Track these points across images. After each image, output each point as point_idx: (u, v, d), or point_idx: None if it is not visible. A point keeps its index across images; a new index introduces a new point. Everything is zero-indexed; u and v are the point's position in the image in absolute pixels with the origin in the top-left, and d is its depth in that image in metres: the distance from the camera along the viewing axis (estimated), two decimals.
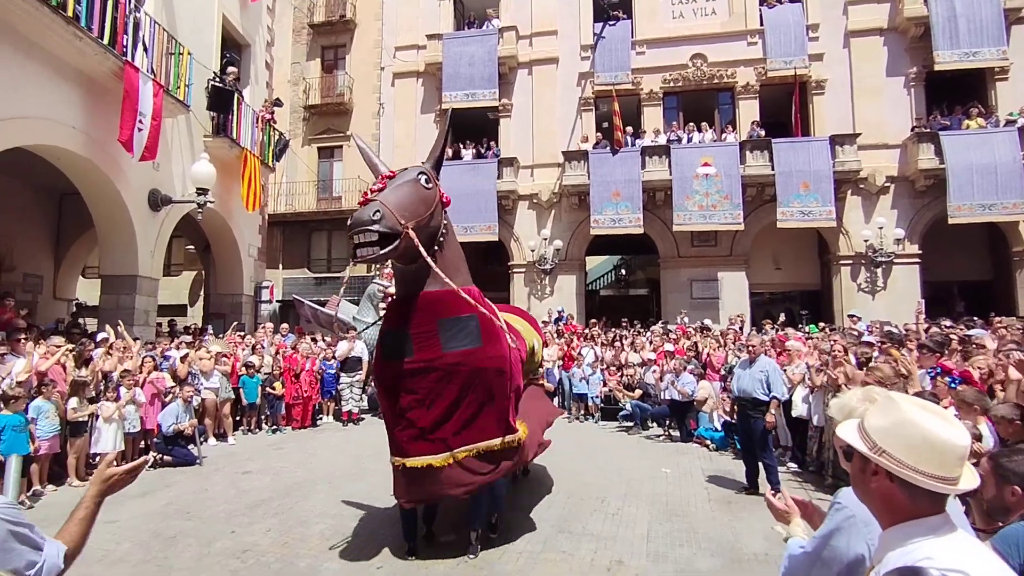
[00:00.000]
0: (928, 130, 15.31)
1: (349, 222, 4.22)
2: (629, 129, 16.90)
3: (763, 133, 16.25)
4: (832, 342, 7.81)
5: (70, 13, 8.58)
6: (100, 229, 11.25)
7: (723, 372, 10.19)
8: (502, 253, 18.43)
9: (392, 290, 11.72)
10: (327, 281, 19.06)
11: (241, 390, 10.08)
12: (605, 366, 11.59)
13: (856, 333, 10.03)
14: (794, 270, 17.52)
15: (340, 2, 20.09)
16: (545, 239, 17.31)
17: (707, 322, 14.04)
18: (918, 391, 5.07)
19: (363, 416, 11.30)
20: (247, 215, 14.96)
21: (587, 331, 13.76)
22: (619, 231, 16.40)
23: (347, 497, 6.32)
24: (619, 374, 11.36)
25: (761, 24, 16.83)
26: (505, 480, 5.32)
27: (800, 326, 13.25)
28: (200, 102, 12.39)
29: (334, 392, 11.29)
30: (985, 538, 2.04)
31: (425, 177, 4.67)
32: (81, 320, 13.42)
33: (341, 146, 19.98)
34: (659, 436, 9.86)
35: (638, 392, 10.56)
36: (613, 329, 14.13)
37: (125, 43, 9.75)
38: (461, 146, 18.12)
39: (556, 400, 10.96)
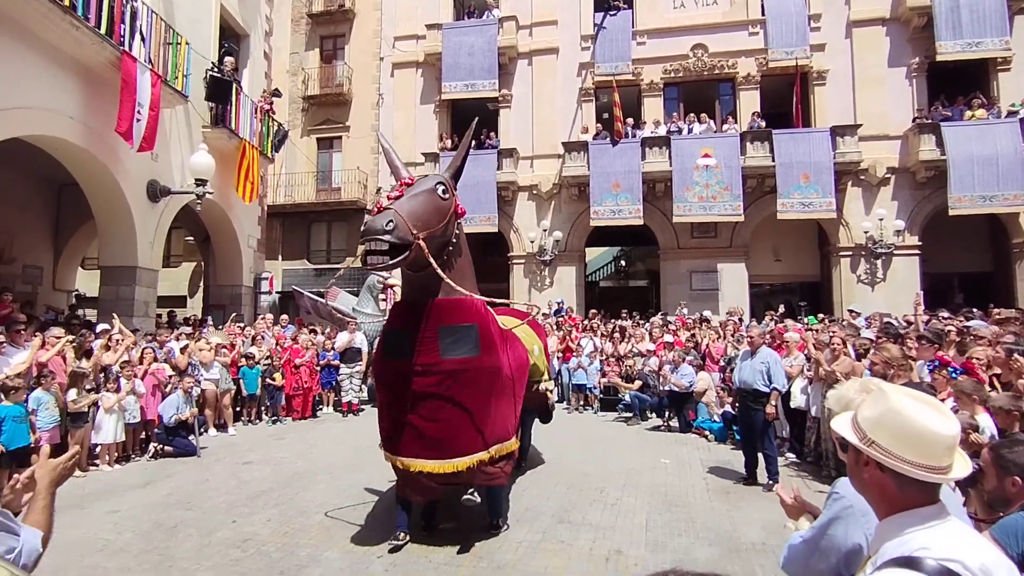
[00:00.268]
0: (929, 121, 15.25)
1: (362, 228, 4.26)
2: (629, 120, 16.84)
3: (764, 124, 16.19)
4: (831, 334, 7.82)
5: (67, 2, 8.54)
6: (99, 220, 11.23)
7: (722, 363, 10.22)
8: (502, 244, 18.41)
9: (392, 281, 11.77)
10: (326, 272, 19.03)
11: (241, 381, 10.10)
12: (604, 357, 11.62)
13: (855, 327, 10.03)
14: (794, 261, 17.51)
15: None
16: (545, 230, 17.30)
17: (707, 314, 14.06)
18: (916, 382, 5.09)
19: (363, 407, 11.33)
20: (246, 206, 14.93)
21: (587, 322, 13.77)
22: (619, 222, 16.39)
23: (347, 487, 6.35)
24: (618, 365, 11.38)
25: (762, 14, 16.72)
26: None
27: (799, 317, 13.25)
28: (198, 92, 12.33)
29: (334, 383, 11.32)
30: (985, 528, 2.05)
31: (443, 187, 4.71)
32: (81, 311, 13.43)
33: (340, 137, 19.91)
34: (658, 427, 9.90)
35: (637, 383, 10.59)
36: (613, 320, 14.14)
37: (122, 33, 9.69)
38: (460, 138, 18.03)
39: (556, 391, 10.98)
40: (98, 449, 7.41)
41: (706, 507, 5.80)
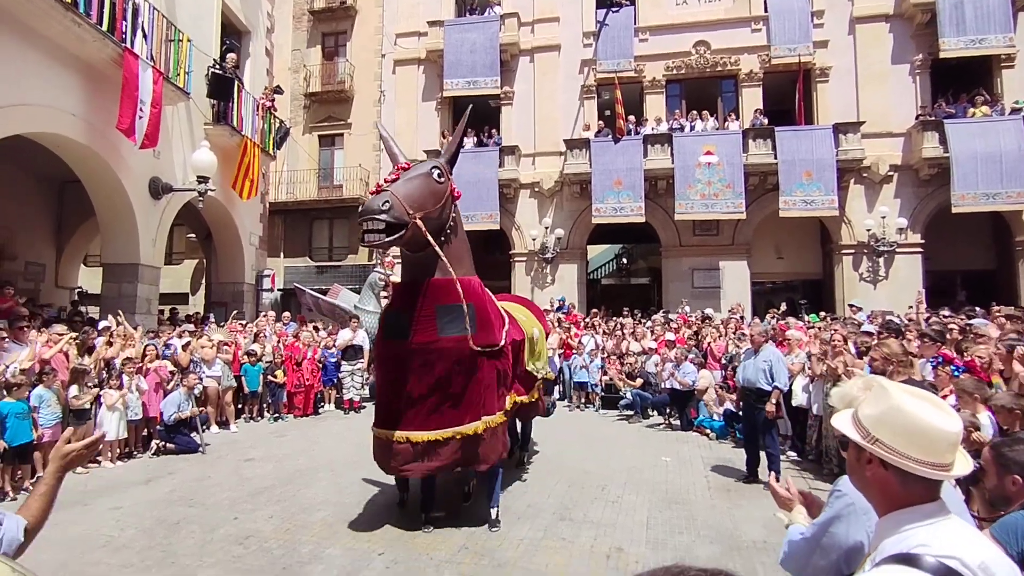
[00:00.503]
0: (933, 118, 15.18)
1: (360, 209, 4.49)
2: (631, 117, 16.80)
3: (766, 121, 16.14)
4: (832, 331, 7.81)
5: None
6: (101, 217, 11.25)
7: (723, 361, 10.21)
8: (503, 242, 18.40)
9: (394, 279, 11.80)
10: (328, 269, 19.07)
11: (243, 378, 10.12)
12: (606, 355, 11.62)
13: (856, 323, 10.02)
14: (796, 259, 17.47)
15: None
16: (547, 228, 17.28)
17: (708, 311, 14.05)
18: (917, 380, 5.07)
19: (364, 404, 11.34)
20: (248, 203, 14.94)
21: (588, 320, 13.77)
22: (621, 220, 16.36)
23: (349, 484, 6.36)
24: (620, 363, 11.38)
25: (765, 10, 16.65)
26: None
27: (800, 315, 13.24)
28: (200, 89, 12.33)
29: (336, 380, 11.33)
30: (987, 526, 2.05)
31: (438, 171, 4.93)
32: (83, 308, 13.46)
33: (342, 134, 19.91)
34: (659, 425, 9.90)
35: (639, 381, 10.58)
36: (614, 318, 14.13)
37: (124, 29, 9.69)
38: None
39: (556, 389, 11.01)
40: (100, 446, 7.42)
41: (707, 505, 5.80)
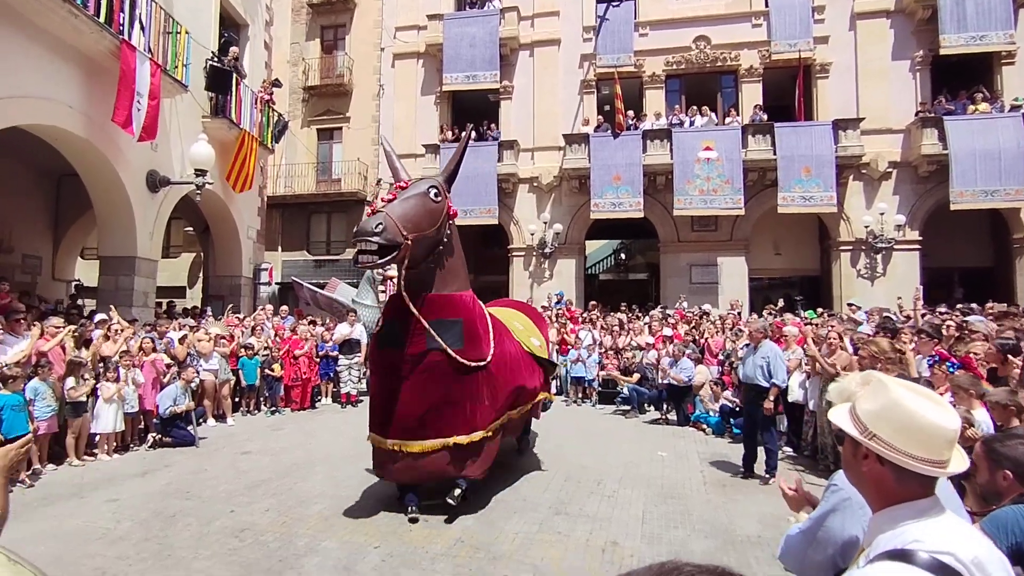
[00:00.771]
0: (932, 115, 15.17)
1: (355, 230, 4.67)
2: (631, 112, 16.76)
3: (765, 117, 16.11)
4: (829, 328, 7.82)
5: None
6: (98, 210, 11.21)
7: (720, 357, 10.23)
8: (502, 236, 18.39)
9: (391, 272, 11.77)
10: (326, 263, 19.04)
11: (240, 372, 10.12)
12: (603, 350, 11.63)
13: (854, 321, 10.03)
14: (794, 255, 17.49)
15: None
16: (545, 223, 17.26)
17: (707, 307, 14.06)
18: (910, 377, 5.09)
19: (361, 398, 11.33)
20: (246, 197, 14.91)
21: (586, 315, 13.77)
22: (619, 215, 16.35)
23: (345, 478, 6.37)
24: (617, 358, 11.39)
25: (766, 5, 16.60)
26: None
27: (797, 311, 13.25)
28: (198, 82, 12.27)
29: (333, 374, 11.33)
30: (978, 521, 2.06)
31: (435, 191, 5.08)
32: (81, 301, 13.44)
33: (341, 128, 19.82)
34: (656, 420, 9.92)
35: (636, 376, 10.60)
36: (612, 313, 14.14)
37: (122, 21, 9.62)
38: (460, 130, 17.99)
39: (554, 384, 11.01)
40: (97, 439, 7.42)
41: (703, 500, 5.82)
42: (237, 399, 10.29)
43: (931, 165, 15.18)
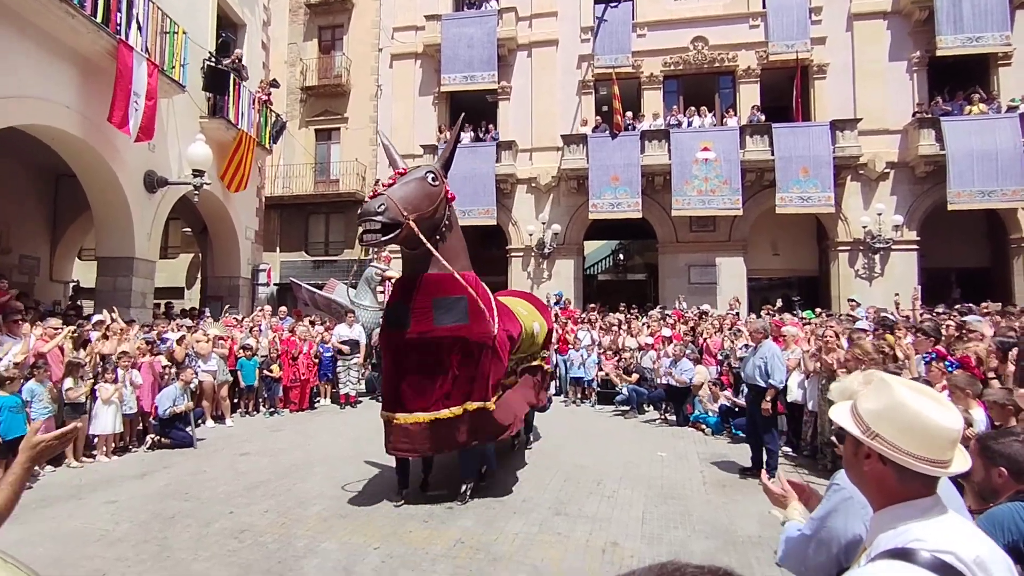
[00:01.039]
0: (929, 116, 15.22)
1: (359, 211, 4.97)
2: (629, 113, 16.78)
3: (763, 118, 16.15)
4: (826, 327, 7.84)
5: None
6: (96, 211, 11.19)
7: (719, 357, 10.24)
8: (500, 237, 18.38)
9: (390, 273, 11.81)
10: (324, 264, 19.02)
11: (239, 372, 10.09)
12: (602, 350, 11.63)
13: (853, 319, 10.06)
14: (792, 256, 17.51)
15: None
16: (543, 223, 17.26)
17: (705, 307, 14.07)
18: (913, 376, 5.10)
19: (360, 399, 11.34)
20: (244, 198, 14.89)
21: (585, 315, 13.78)
22: (618, 215, 16.36)
23: (344, 479, 6.35)
24: (616, 358, 11.40)
25: (763, 7, 16.65)
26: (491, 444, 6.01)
27: (795, 312, 13.27)
28: (196, 83, 12.25)
29: (331, 375, 11.31)
30: (976, 519, 2.06)
31: (433, 175, 5.38)
32: (79, 302, 13.41)
33: (339, 128, 19.80)
34: (655, 420, 9.92)
35: (635, 376, 10.60)
36: (611, 313, 14.15)
37: (119, 21, 9.60)
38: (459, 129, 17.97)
39: (553, 384, 11.01)
40: (96, 440, 7.40)
41: (702, 500, 5.82)
42: (236, 400, 10.26)
43: (928, 166, 15.22)
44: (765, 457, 6.54)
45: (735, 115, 16.58)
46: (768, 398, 6.44)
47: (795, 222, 16.54)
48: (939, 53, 15.18)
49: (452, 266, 5.31)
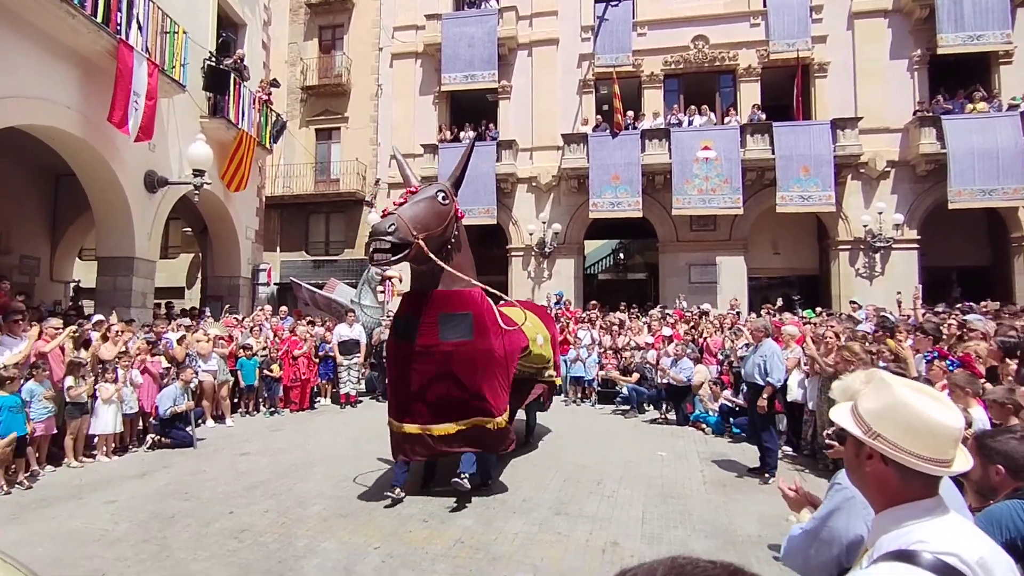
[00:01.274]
0: (930, 114, 15.19)
1: (370, 230, 5.15)
2: (629, 112, 16.76)
3: (764, 116, 16.11)
4: (827, 327, 7.83)
5: None
6: (96, 211, 11.18)
7: (720, 357, 10.23)
8: (500, 236, 18.37)
9: (390, 273, 11.79)
10: (325, 264, 19.02)
11: (239, 372, 10.09)
12: (602, 350, 11.62)
13: (854, 319, 10.04)
14: (793, 255, 17.49)
15: None
16: (544, 222, 17.25)
17: (705, 306, 14.05)
18: (914, 376, 5.09)
19: (360, 399, 11.34)
20: (244, 197, 14.88)
21: (585, 315, 13.77)
22: (618, 215, 16.34)
23: (344, 478, 6.35)
24: (616, 358, 11.39)
25: (764, 5, 16.61)
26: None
27: (795, 311, 13.26)
28: (196, 82, 12.24)
29: (332, 375, 11.31)
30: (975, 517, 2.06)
31: (443, 194, 5.52)
32: (80, 302, 13.42)
33: (339, 128, 19.79)
34: (655, 419, 9.91)
35: (635, 376, 10.59)
36: (611, 313, 14.13)
37: (119, 21, 9.59)
38: (459, 129, 17.98)
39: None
40: (96, 440, 7.40)
41: (702, 499, 5.82)
42: (236, 400, 10.26)
43: (929, 164, 15.19)
44: (764, 455, 6.53)
45: (736, 114, 16.55)
46: (765, 396, 6.44)
47: (796, 221, 16.52)
48: (940, 51, 15.15)
49: (459, 282, 5.51)
